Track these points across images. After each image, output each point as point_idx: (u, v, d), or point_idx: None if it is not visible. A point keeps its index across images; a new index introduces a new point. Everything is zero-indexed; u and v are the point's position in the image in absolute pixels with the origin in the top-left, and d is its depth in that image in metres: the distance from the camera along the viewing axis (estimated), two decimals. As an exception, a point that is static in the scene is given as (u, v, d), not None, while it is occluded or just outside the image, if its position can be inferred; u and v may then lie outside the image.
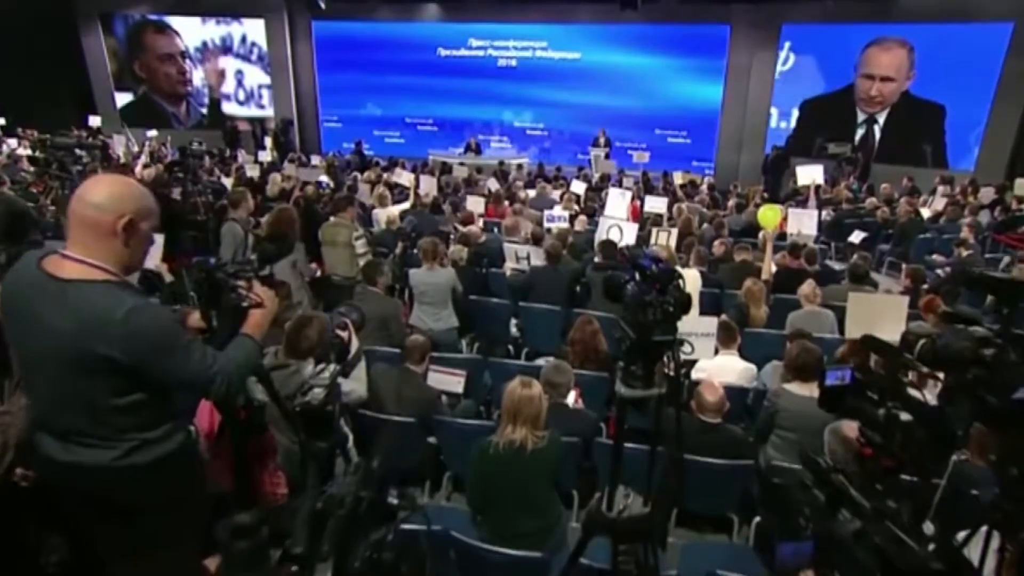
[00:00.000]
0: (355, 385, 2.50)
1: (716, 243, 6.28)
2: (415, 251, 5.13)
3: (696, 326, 3.72)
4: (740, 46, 13.72)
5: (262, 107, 16.36)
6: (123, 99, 16.37)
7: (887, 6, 12.39)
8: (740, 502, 3.17)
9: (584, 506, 3.56)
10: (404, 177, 9.38)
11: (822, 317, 4.55)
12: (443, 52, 15.48)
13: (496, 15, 14.80)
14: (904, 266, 7.92)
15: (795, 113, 13.80)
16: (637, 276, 1.44)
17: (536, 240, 6.04)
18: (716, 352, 3.89)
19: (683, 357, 1.55)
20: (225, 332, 1.67)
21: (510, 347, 5.23)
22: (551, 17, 14.55)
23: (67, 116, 14.39)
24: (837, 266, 7.29)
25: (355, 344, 2.53)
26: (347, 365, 2.44)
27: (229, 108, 16.46)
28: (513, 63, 15.22)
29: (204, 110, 16.51)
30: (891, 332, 3.48)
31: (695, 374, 3.73)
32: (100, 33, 15.77)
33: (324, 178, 8.41)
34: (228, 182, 9.61)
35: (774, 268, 5.51)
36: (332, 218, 5.46)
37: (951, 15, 11.95)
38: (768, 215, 5.91)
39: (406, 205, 7.76)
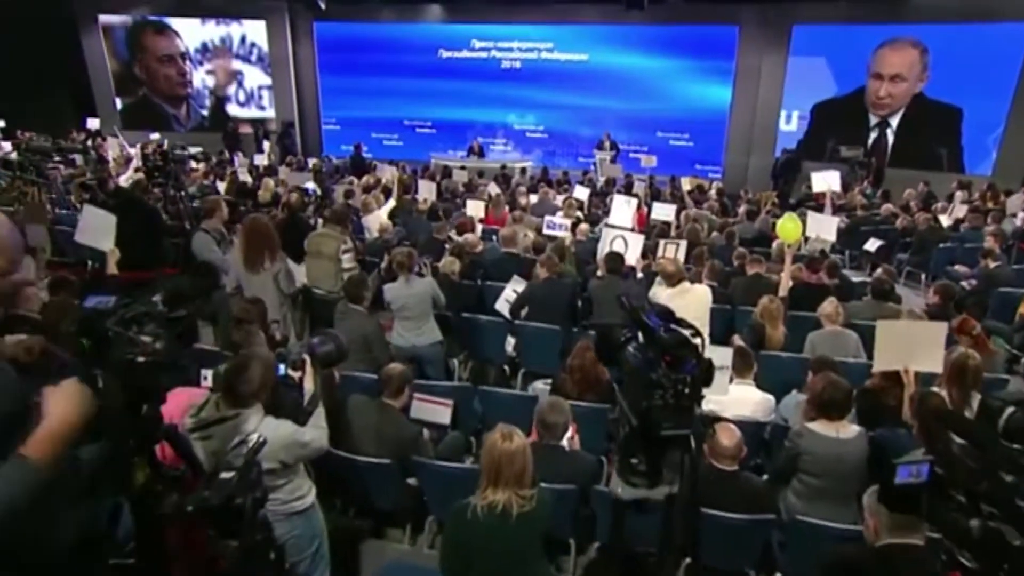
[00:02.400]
0: (316, 434, 2.15)
1: (735, 257, 5.91)
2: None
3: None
4: (749, 47, 13.36)
5: (262, 108, 16.12)
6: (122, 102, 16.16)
7: (900, 6, 12.01)
8: (759, 556, 2.81)
9: (582, 552, 3.22)
10: (387, 172, 9.01)
11: (845, 338, 4.16)
12: (444, 54, 15.18)
13: (499, 16, 14.52)
14: (924, 277, 7.61)
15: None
16: (640, 337, 1.08)
17: (536, 250, 5.69)
18: (730, 381, 3.52)
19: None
20: (115, 402, 1.28)
21: (505, 368, 4.87)
22: (555, 18, 14.24)
23: (67, 118, 14.19)
24: (854, 277, 6.89)
25: (308, 387, 2.18)
26: (300, 414, 2.10)
27: (229, 109, 16.23)
28: (517, 65, 14.90)
29: (205, 112, 16.28)
30: (928, 363, 3.17)
31: (706, 406, 3.36)
32: (100, 35, 15.57)
33: (311, 184, 8.09)
34: (222, 186, 9.35)
35: (790, 283, 5.10)
36: (321, 227, 5.13)
37: (966, 15, 11.57)
38: (788, 227, 5.41)
39: (392, 203, 7.40)
